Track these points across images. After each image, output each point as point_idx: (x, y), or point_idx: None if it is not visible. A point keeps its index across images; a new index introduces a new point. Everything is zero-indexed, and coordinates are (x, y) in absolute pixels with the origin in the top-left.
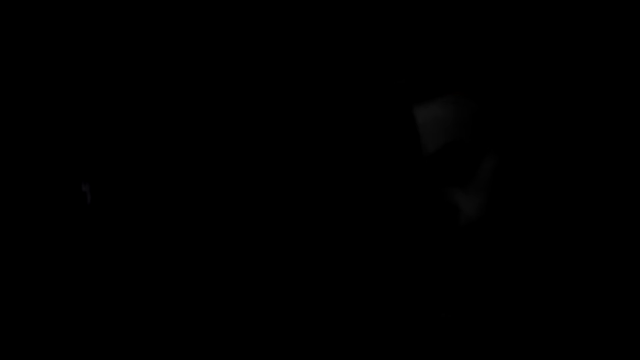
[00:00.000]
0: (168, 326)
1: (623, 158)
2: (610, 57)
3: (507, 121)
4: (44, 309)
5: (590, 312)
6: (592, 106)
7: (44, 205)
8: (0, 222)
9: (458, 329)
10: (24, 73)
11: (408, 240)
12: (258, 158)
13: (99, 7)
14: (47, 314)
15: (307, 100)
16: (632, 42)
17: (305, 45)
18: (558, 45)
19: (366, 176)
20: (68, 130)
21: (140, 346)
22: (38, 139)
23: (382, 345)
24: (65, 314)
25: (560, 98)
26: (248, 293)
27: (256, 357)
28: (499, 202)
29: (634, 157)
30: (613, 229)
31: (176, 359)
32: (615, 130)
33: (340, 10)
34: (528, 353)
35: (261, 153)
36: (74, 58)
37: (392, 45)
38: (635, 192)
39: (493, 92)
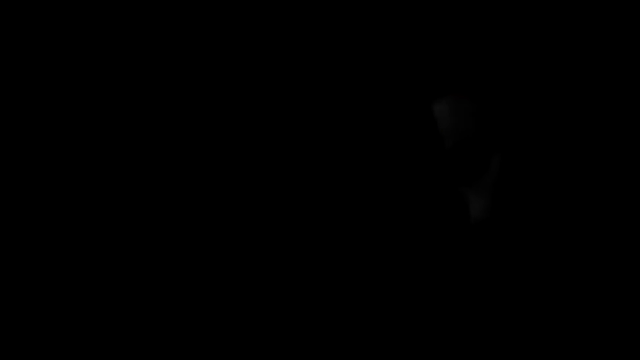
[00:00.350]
0: (168, 326)
1: (625, 157)
2: (611, 57)
3: (511, 121)
4: (44, 309)
5: (595, 310)
6: (595, 106)
7: (44, 206)
8: (1, 223)
9: (462, 328)
10: (24, 73)
11: (419, 237)
12: (266, 157)
13: (99, 7)
14: (48, 314)
15: (318, 100)
16: (632, 42)
17: (315, 48)
18: (560, 46)
19: (379, 174)
20: (68, 131)
21: (140, 346)
22: (38, 139)
23: (387, 342)
24: (66, 315)
25: (564, 98)
26: (250, 293)
27: (256, 357)
28: (506, 201)
29: (636, 155)
30: (617, 226)
31: (176, 359)
32: (617, 129)
33: (348, 12)
34: (531, 351)
35: (271, 151)
36: (74, 58)
37: (397, 46)
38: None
39: (497, 93)
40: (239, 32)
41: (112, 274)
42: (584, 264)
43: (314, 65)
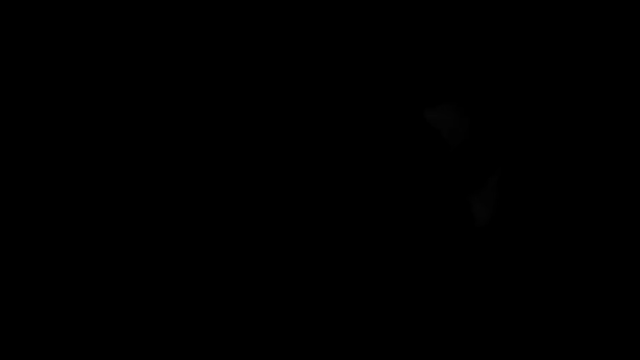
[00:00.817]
0: (168, 326)
1: (625, 167)
2: (613, 67)
3: (511, 127)
4: (44, 309)
5: (595, 313)
6: (594, 110)
7: (44, 206)
8: (1, 222)
9: (466, 331)
10: (24, 73)
11: (423, 242)
12: (268, 162)
13: (99, 7)
14: (47, 314)
15: (321, 105)
16: (632, 52)
17: (320, 53)
18: (562, 55)
19: (383, 179)
20: (68, 130)
21: (140, 346)
22: (38, 139)
23: (391, 344)
24: (65, 314)
25: (562, 102)
26: (250, 293)
27: (256, 357)
28: (508, 207)
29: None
30: (617, 229)
31: (176, 359)
32: (616, 139)
33: (349, 18)
34: (532, 352)
35: (273, 157)
36: (74, 58)
37: (399, 53)
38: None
39: (496, 100)
40: (239, 33)
41: (112, 274)
42: (586, 267)
43: (316, 70)
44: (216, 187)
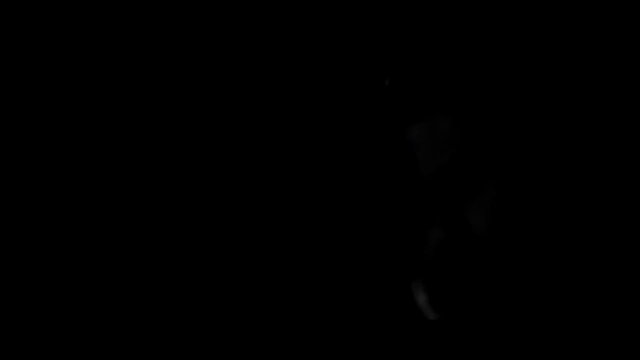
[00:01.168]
0: (168, 326)
1: (621, 172)
2: (604, 73)
3: (505, 135)
4: (44, 309)
5: (593, 319)
6: (592, 120)
7: (44, 206)
8: (1, 222)
9: (460, 331)
10: (24, 73)
11: (419, 251)
12: (256, 177)
13: (99, 7)
14: (47, 314)
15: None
16: (629, 66)
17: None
18: (554, 60)
19: (375, 188)
20: (68, 130)
21: (140, 346)
22: (38, 139)
23: (381, 345)
24: (65, 314)
25: (560, 112)
26: (249, 293)
27: (256, 357)
28: (505, 215)
29: (633, 175)
30: (614, 235)
31: (176, 359)
32: (611, 144)
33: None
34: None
35: (261, 172)
36: (74, 58)
37: (392, 64)
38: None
39: (490, 108)
40: (231, 35)
41: (112, 274)
42: (585, 271)
43: (313, 77)
44: (208, 189)
